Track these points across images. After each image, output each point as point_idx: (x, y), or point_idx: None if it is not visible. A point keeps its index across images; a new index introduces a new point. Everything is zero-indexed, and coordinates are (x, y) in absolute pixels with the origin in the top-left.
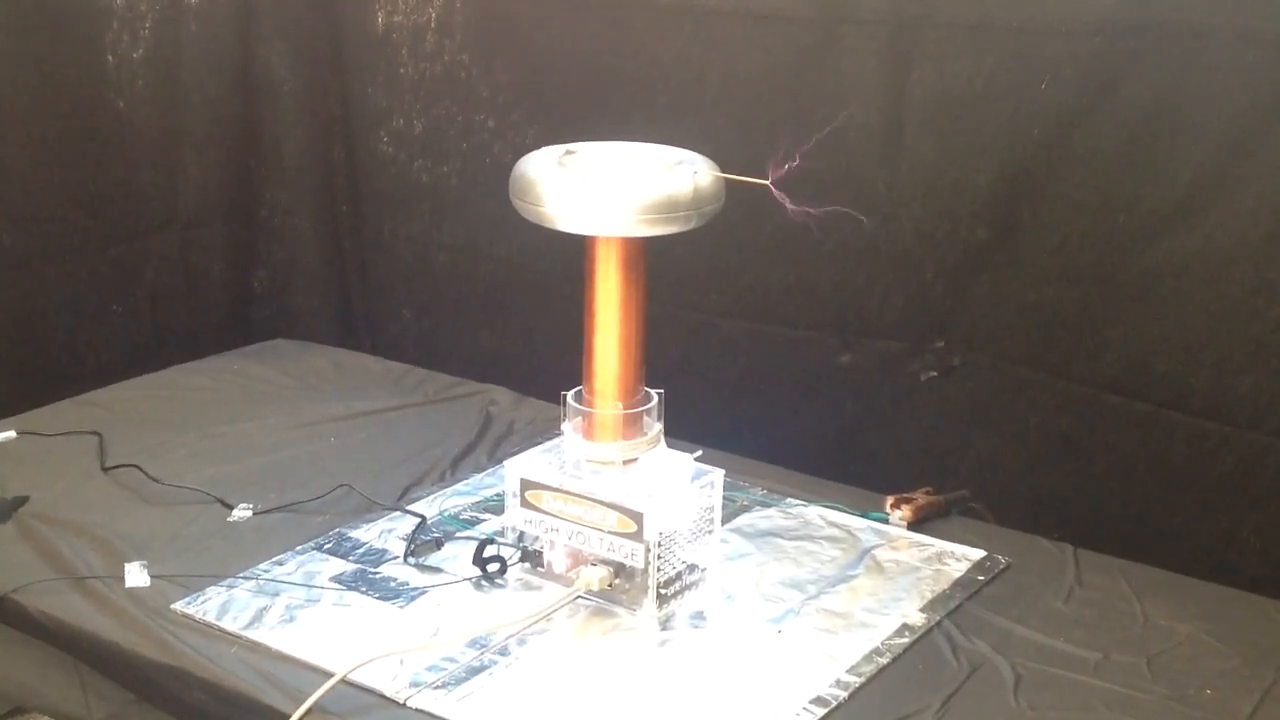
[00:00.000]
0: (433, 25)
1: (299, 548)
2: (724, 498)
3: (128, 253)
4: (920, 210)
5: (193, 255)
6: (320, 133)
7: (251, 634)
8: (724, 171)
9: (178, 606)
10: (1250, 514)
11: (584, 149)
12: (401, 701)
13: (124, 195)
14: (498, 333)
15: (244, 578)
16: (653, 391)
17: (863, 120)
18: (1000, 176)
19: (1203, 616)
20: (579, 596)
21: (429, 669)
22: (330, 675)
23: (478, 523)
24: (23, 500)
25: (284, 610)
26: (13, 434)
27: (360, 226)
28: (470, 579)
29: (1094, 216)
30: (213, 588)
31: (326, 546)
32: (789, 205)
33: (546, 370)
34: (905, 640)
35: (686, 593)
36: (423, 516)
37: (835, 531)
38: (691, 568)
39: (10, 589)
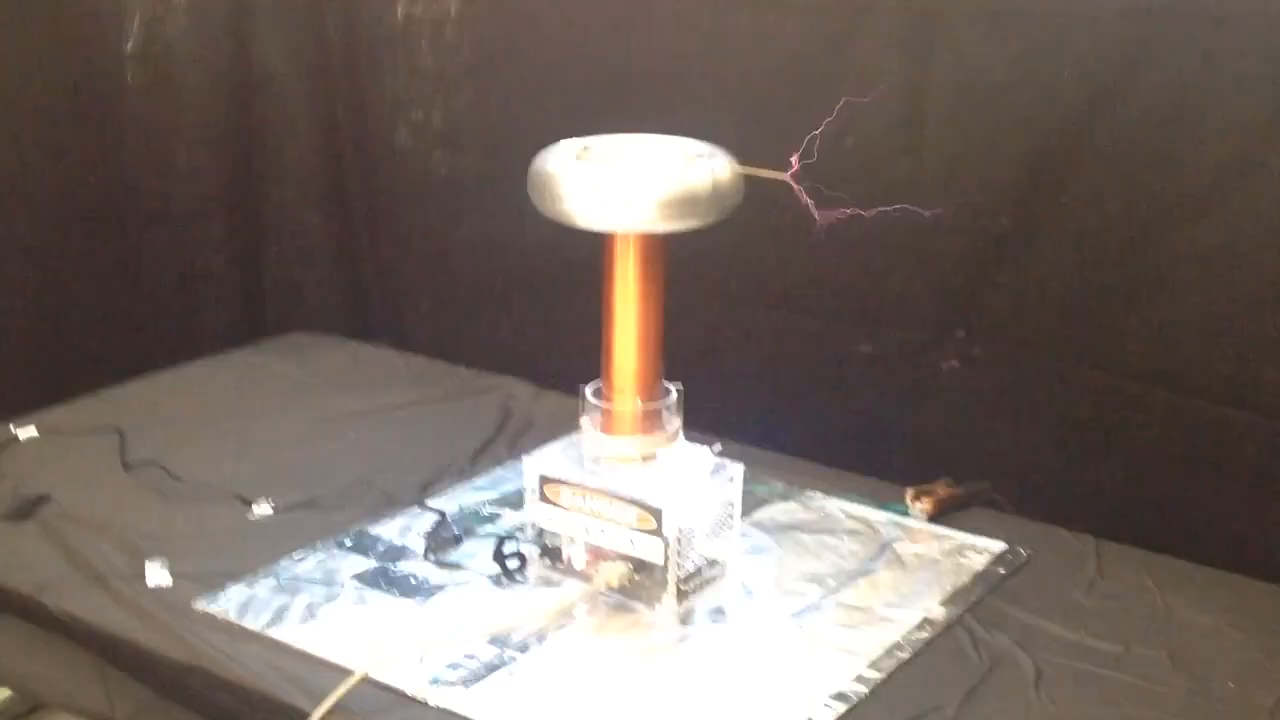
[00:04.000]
0: (452, 17)
1: (319, 544)
2: (743, 491)
3: (129, 247)
4: (941, 199)
5: (197, 250)
6: (327, 126)
7: (272, 632)
8: (744, 163)
9: (199, 605)
10: (1274, 502)
11: (601, 143)
12: (422, 699)
13: (119, 189)
14: (517, 325)
15: (265, 575)
16: (672, 386)
17: (882, 109)
18: (1022, 165)
19: (1225, 608)
20: (598, 593)
21: (449, 666)
22: (351, 673)
23: (497, 518)
24: (44, 499)
25: (305, 608)
26: (34, 431)
27: (376, 220)
28: (490, 575)
29: (1117, 204)
30: (234, 586)
31: (347, 544)
32: (807, 201)
33: (566, 363)
34: (926, 635)
35: (706, 588)
36: (442, 513)
37: (855, 525)
38: (711, 563)
39: (32, 588)
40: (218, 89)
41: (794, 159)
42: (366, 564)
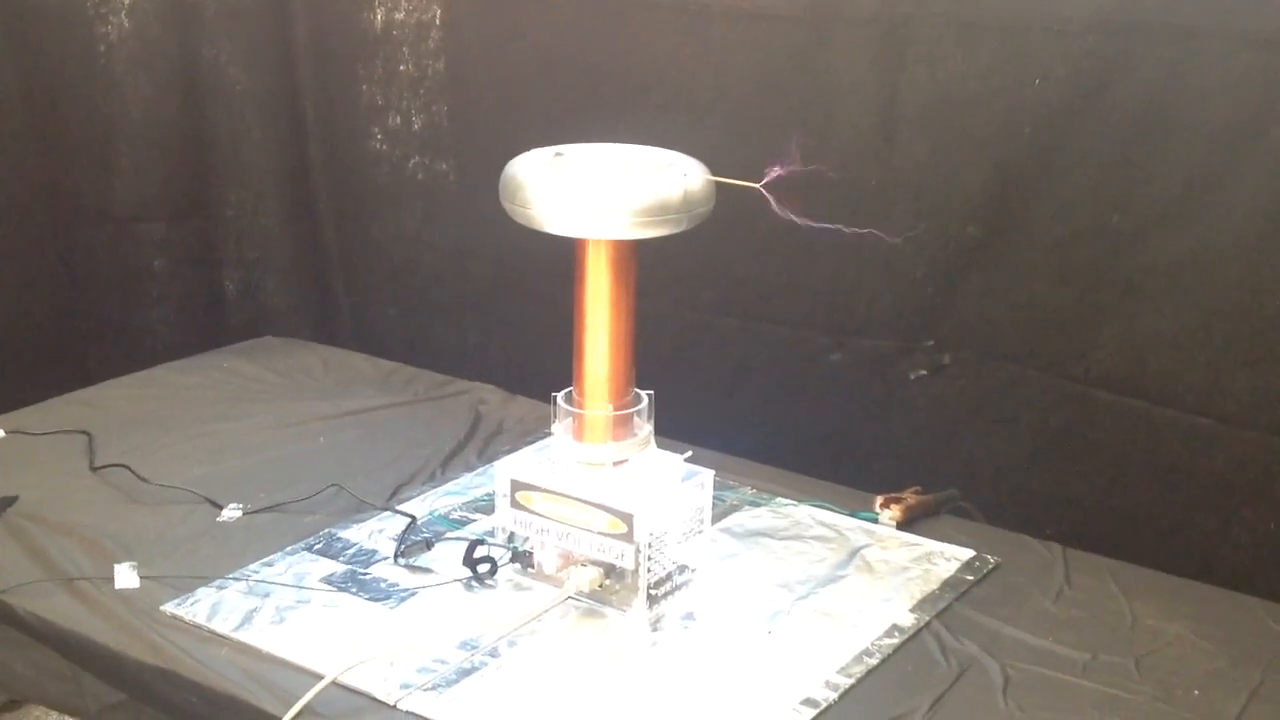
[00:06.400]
0: (436, 24)
1: (289, 548)
2: (714, 497)
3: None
4: (911, 209)
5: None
6: (287, 131)
7: (241, 635)
8: (716, 171)
9: (167, 608)
10: (1242, 511)
11: (573, 151)
12: (392, 704)
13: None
14: (486, 331)
15: (234, 579)
16: (643, 393)
17: (854, 119)
18: (992, 175)
19: (1191, 617)
20: (569, 597)
21: (419, 671)
22: (320, 677)
23: (468, 523)
24: (11, 500)
25: (274, 611)
26: (1, 433)
27: (345, 224)
28: (461, 580)
29: (1086, 215)
30: (202, 589)
31: (316, 547)
32: (781, 210)
33: (536, 368)
34: (895, 641)
35: (677, 593)
36: (413, 517)
37: (825, 531)
38: (681, 568)
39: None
40: (162, 92)
41: (766, 168)
42: (336, 568)
